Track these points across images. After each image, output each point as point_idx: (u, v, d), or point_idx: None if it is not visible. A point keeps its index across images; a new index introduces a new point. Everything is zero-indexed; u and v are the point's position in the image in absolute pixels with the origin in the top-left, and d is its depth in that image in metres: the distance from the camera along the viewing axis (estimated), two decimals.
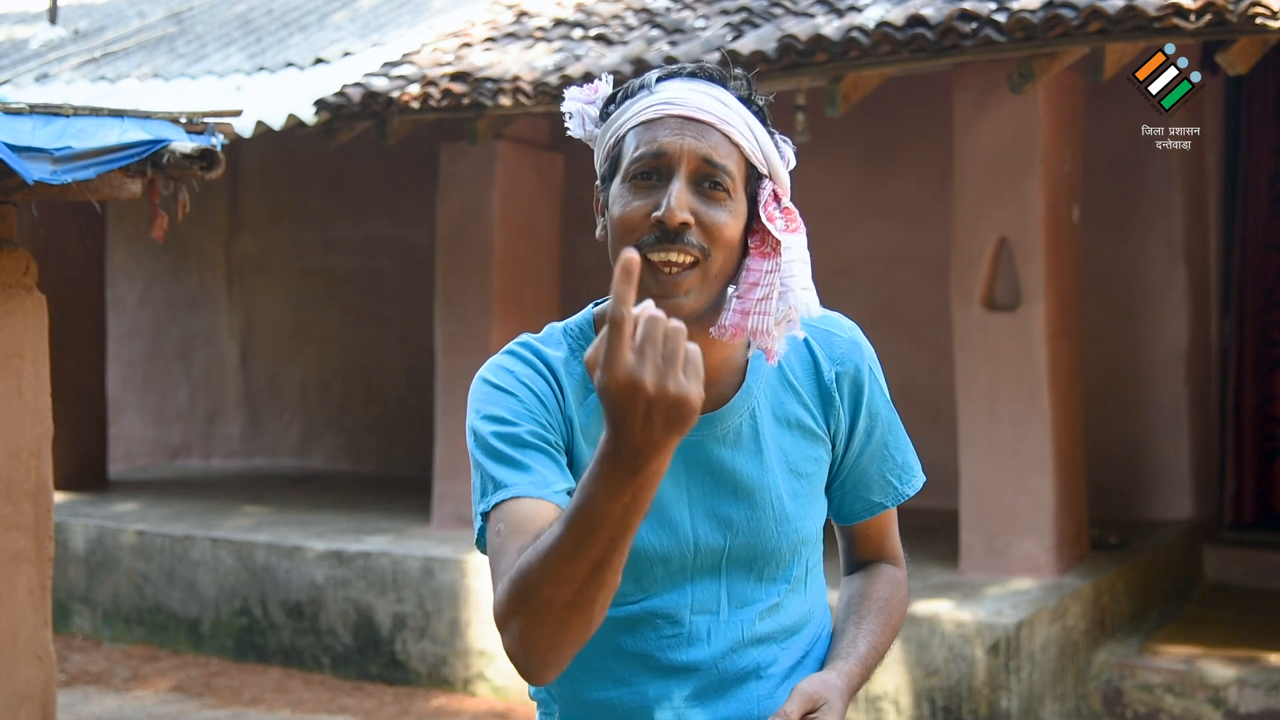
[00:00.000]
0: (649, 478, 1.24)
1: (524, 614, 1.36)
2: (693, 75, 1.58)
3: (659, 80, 1.58)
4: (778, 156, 1.60)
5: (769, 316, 1.54)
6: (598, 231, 1.62)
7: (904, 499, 1.76)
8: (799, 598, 1.68)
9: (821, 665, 1.70)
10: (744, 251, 1.57)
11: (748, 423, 1.63)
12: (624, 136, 1.57)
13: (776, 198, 1.58)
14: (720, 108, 1.55)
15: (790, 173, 1.62)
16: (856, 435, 1.71)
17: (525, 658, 1.39)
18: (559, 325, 1.66)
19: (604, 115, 1.62)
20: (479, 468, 1.53)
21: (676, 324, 1.20)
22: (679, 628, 1.61)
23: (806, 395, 1.67)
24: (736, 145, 1.55)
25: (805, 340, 1.67)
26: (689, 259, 1.51)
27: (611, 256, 1.53)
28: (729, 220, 1.53)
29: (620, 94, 1.61)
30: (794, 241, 1.57)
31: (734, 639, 1.62)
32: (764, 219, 1.56)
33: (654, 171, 1.53)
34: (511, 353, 1.61)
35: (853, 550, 1.82)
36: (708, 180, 1.53)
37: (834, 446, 1.71)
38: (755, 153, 1.56)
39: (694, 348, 1.22)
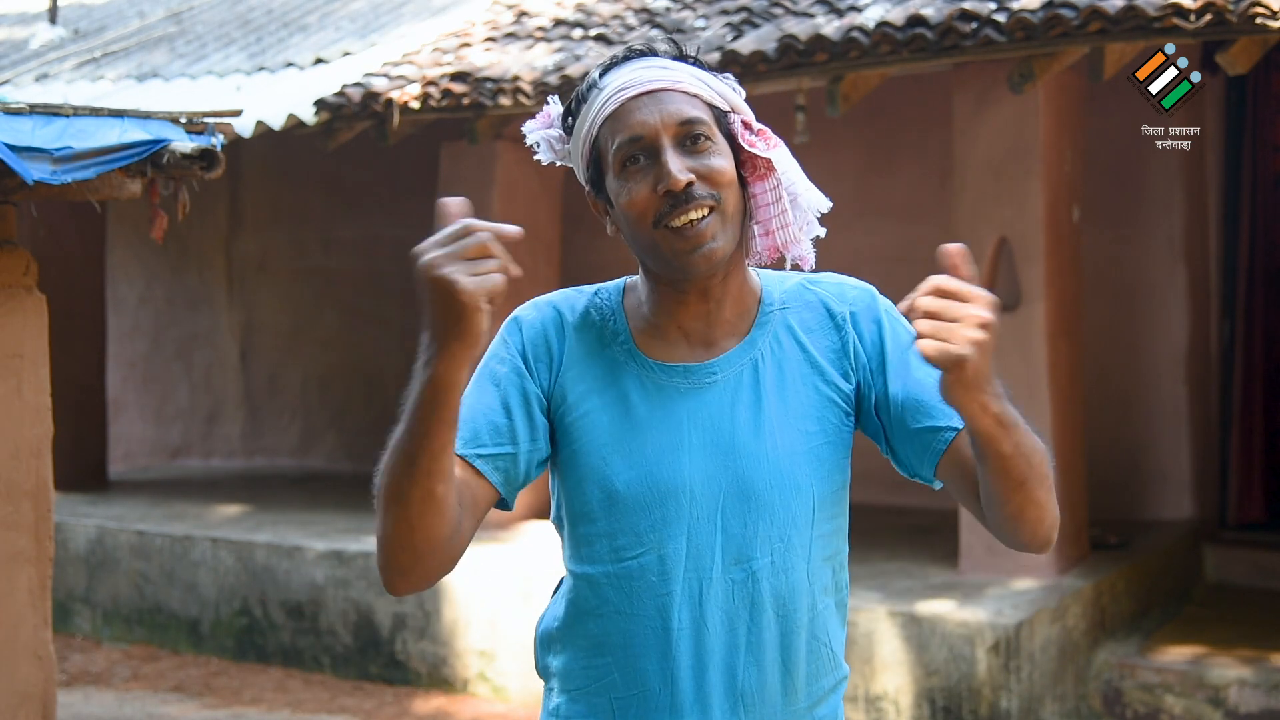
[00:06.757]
0: (451, 358, 1.46)
1: (377, 512, 1.53)
2: (627, 58, 1.67)
3: (601, 75, 1.67)
4: (730, 90, 1.69)
5: (791, 226, 1.68)
6: (609, 230, 1.72)
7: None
8: (797, 564, 1.65)
9: (823, 649, 1.69)
10: (744, 184, 1.67)
11: (749, 373, 1.67)
12: (595, 137, 1.65)
13: (747, 125, 1.67)
14: (665, 73, 1.65)
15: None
16: (889, 364, 1.67)
17: (381, 559, 1.54)
18: (592, 288, 1.78)
19: (566, 130, 1.71)
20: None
21: (482, 235, 1.38)
22: (671, 585, 1.62)
23: (821, 355, 1.69)
24: (695, 95, 1.64)
25: (819, 298, 1.72)
26: (705, 210, 1.60)
27: (631, 246, 1.67)
28: (722, 162, 1.63)
29: (572, 103, 1.69)
30: (779, 155, 1.68)
31: (725, 601, 1.62)
32: (746, 146, 1.66)
33: (638, 155, 1.62)
34: (536, 306, 1.78)
35: (969, 469, 1.63)
36: (689, 138, 1.62)
37: (860, 394, 1.69)
38: (713, 96, 1.66)
39: (494, 260, 1.39)
